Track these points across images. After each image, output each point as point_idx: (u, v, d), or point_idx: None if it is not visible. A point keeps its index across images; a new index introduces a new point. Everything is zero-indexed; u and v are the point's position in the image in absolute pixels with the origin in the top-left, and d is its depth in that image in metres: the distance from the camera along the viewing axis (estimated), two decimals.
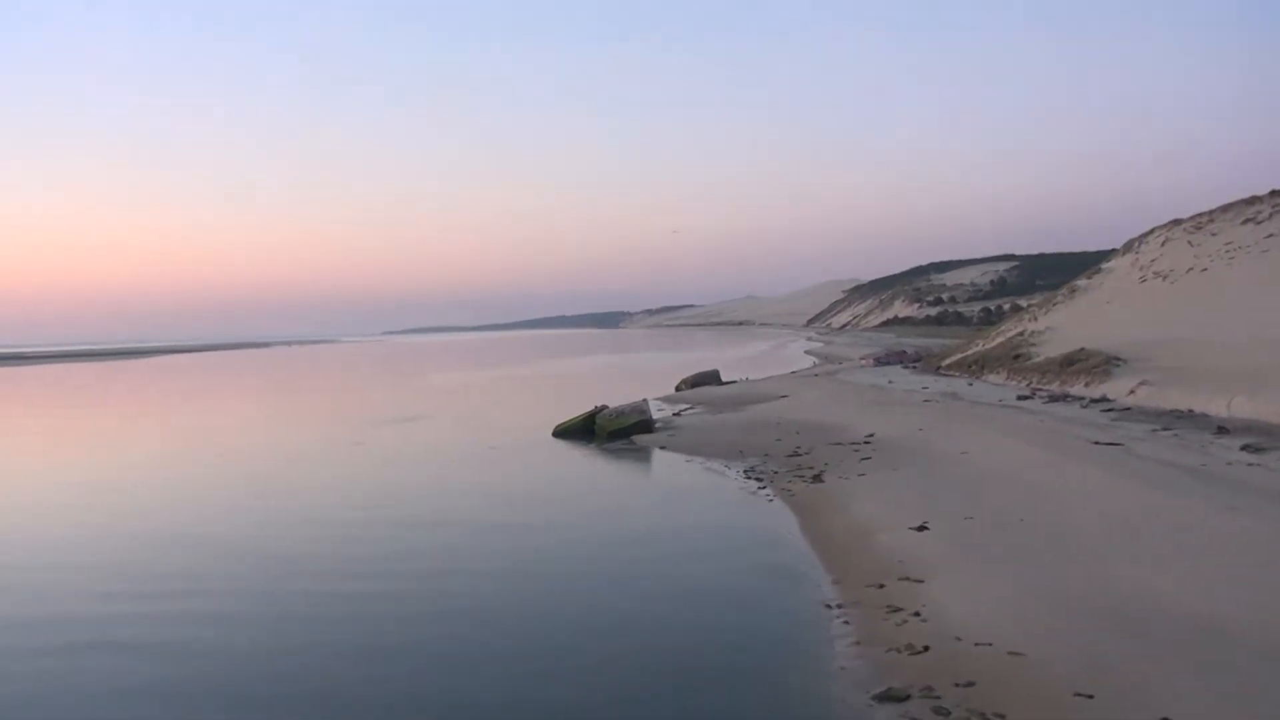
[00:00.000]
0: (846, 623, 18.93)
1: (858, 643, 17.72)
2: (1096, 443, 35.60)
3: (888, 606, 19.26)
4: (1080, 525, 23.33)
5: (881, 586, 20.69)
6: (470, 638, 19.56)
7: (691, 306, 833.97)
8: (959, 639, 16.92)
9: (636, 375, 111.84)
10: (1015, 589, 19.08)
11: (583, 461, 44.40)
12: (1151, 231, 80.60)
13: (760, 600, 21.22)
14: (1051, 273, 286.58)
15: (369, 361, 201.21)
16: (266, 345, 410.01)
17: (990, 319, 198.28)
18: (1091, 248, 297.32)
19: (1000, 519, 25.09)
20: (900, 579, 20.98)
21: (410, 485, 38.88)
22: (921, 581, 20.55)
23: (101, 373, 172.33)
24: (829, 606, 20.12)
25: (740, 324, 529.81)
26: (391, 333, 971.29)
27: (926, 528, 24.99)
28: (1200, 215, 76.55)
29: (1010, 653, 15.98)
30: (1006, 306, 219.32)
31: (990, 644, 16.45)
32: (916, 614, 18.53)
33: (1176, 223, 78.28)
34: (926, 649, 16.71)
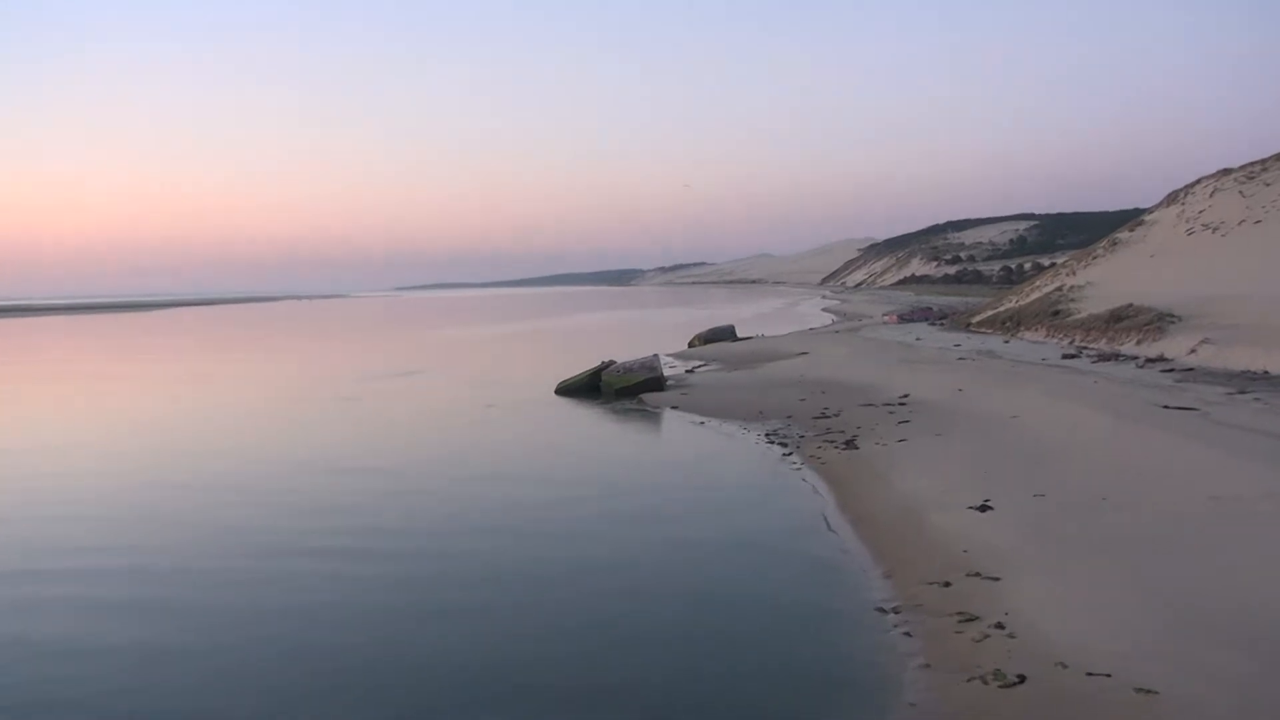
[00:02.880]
0: (908, 634, 14.88)
1: (927, 665, 13.67)
2: (1167, 407, 31.38)
3: (959, 614, 15.19)
4: (1184, 510, 19.14)
5: (947, 585, 16.61)
6: (414, 632, 15.73)
7: (705, 265, 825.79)
8: (1064, 665, 12.85)
9: (648, 331, 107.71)
10: (1124, 595, 14.97)
11: (585, 423, 40.34)
12: (1198, 182, 75.55)
13: (796, 601, 17.14)
14: (1072, 231, 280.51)
15: (376, 316, 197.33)
16: (275, 300, 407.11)
17: (1011, 278, 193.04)
18: (1113, 207, 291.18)
19: (1078, 498, 20.96)
20: (969, 575, 16.90)
21: (391, 446, 34.96)
22: (997, 579, 16.47)
23: (103, 326, 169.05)
24: (883, 611, 16.06)
25: (754, 282, 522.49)
26: (403, 288, 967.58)
27: (990, 507, 20.91)
28: (1252, 164, 71.55)
29: (1139, 689, 11.91)
30: (1028, 265, 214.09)
31: (1108, 675, 12.39)
32: (999, 626, 14.47)
33: (1226, 172, 73.28)
34: (1022, 679, 12.65)
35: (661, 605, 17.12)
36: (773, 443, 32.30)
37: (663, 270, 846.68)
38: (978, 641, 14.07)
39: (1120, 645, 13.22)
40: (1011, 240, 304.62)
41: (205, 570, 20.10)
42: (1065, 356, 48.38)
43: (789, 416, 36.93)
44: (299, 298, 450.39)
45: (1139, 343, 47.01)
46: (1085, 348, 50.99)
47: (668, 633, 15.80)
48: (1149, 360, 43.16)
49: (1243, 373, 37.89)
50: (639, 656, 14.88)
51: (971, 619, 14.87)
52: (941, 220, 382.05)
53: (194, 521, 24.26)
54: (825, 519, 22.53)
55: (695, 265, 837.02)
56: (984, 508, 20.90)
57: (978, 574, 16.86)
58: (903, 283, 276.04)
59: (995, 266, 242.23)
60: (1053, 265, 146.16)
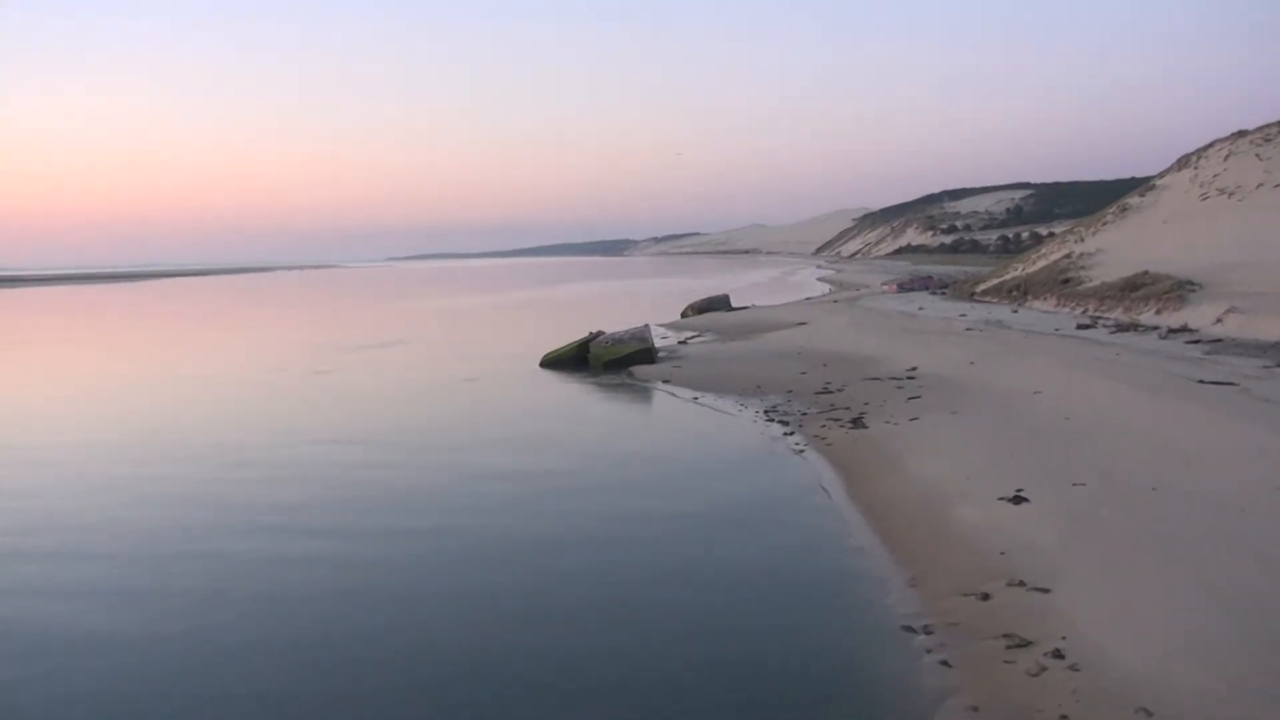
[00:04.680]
0: (946, 663, 12.27)
1: (975, 709, 11.07)
2: (1202, 381, 28.81)
3: (1006, 636, 12.59)
4: (1251, 503, 16.50)
5: (986, 597, 14.01)
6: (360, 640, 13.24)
7: (698, 234, 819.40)
8: (1148, 713, 10.27)
9: (639, 300, 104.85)
10: (1206, 613, 12.35)
11: (569, 399, 37.57)
12: (1211, 145, 72.62)
13: (805, 615, 14.52)
14: (1069, 201, 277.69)
15: (366, 286, 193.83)
16: (269, 270, 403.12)
17: (1009, 247, 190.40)
18: (1110, 176, 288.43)
19: (1124, 488, 18.35)
20: (1011, 584, 14.30)
21: (357, 421, 32.19)
22: (1046, 591, 13.87)
23: (85, 297, 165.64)
24: (911, 630, 13.46)
25: (747, 252, 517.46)
26: (396, 258, 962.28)
27: (1024, 498, 18.30)
28: (1269, 126, 68.60)
29: None
30: (1025, 234, 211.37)
31: None
32: (1058, 654, 11.87)
33: (1241, 135, 70.35)
34: None
35: (641, 619, 14.51)
36: (772, 420, 29.68)
37: (656, 240, 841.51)
38: (1034, 675, 11.47)
39: (1214, 683, 10.63)
40: (1008, 209, 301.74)
41: (151, 552, 18.54)
42: (1080, 327, 45.77)
43: (789, 391, 34.30)
44: (291, 268, 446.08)
45: (1158, 312, 44.39)
46: (1100, 317, 48.36)
47: (639, 652, 13.19)
48: (1172, 331, 40.55)
49: (1276, 344, 35.28)
50: (615, 687, 12.28)
51: (1023, 644, 12.28)
52: (936, 190, 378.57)
53: (135, 499, 22.33)
54: (833, 511, 19.92)
55: (688, 235, 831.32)
56: (1017, 499, 18.29)
57: (1021, 583, 14.25)
58: (898, 252, 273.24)
59: (992, 236, 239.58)
60: (1051, 235, 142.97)
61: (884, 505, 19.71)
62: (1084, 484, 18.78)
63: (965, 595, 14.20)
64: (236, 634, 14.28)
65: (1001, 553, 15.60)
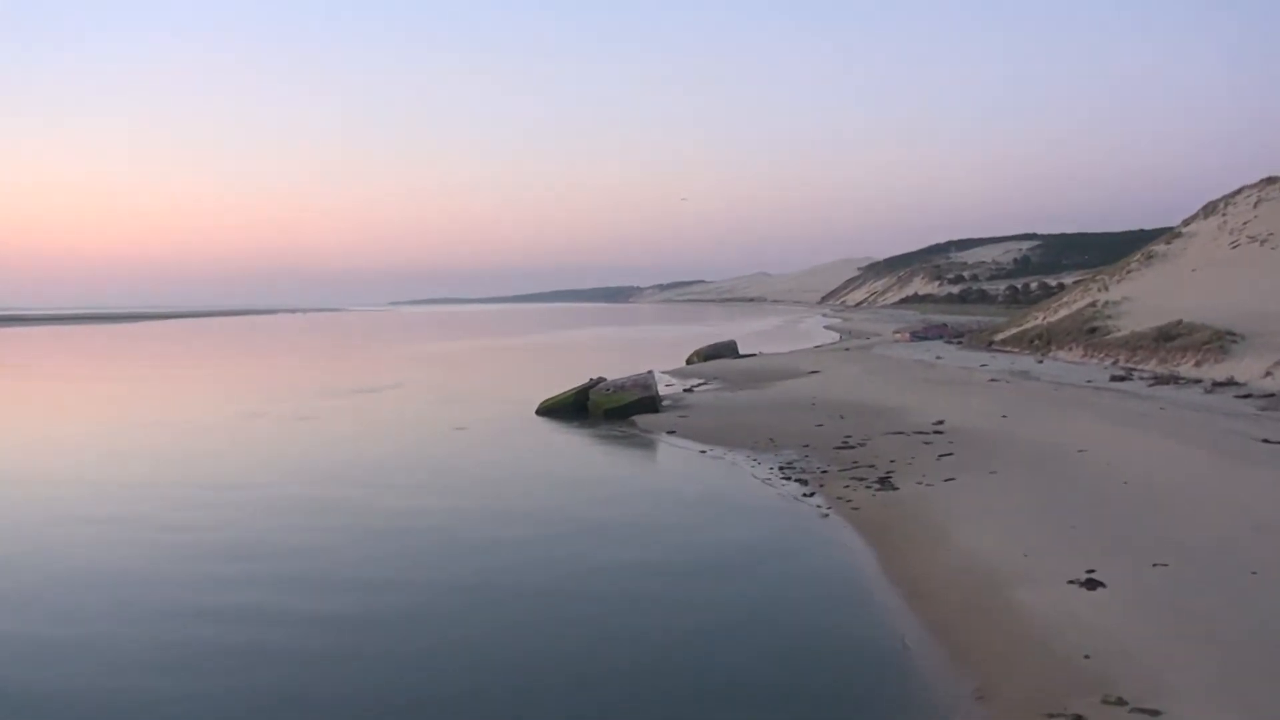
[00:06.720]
0: None
1: None
2: (1266, 441, 25.97)
3: None
4: None
5: (1078, 719, 11.03)
6: None
7: (703, 282, 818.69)
8: None
9: (643, 346, 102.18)
10: None
11: (565, 450, 34.60)
12: (1239, 191, 70.22)
13: None
14: (1077, 251, 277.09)
15: (365, 330, 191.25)
16: (272, 313, 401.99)
17: (1018, 297, 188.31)
18: (1117, 228, 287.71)
19: (1213, 568, 15.44)
20: (1108, 701, 11.31)
21: (331, 472, 29.30)
22: (1156, 714, 10.89)
23: (86, 337, 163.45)
24: None
25: (752, 300, 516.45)
26: (399, 303, 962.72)
27: (1098, 582, 15.33)
28: None
29: None
30: (1034, 285, 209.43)
31: None
32: None
33: (1271, 181, 67.96)
34: None
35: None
36: (789, 478, 26.71)
37: (660, 288, 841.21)
38: None
39: None
40: (1015, 260, 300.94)
41: (81, 617, 16.34)
42: (1114, 378, 42.92)
43: (805, 445, 31.38)
44: (294, 311, 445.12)
45: (1198, 364, 41.54)
46: (1134, 369, 45.49)
47: None
48: (1217, 384, 37.65)
49: None
50: None
51: None
52: (943, 240, 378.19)
53: (46, 563, 19.67)
54: (869, 590, 16.96)
55: (693, 283, 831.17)
56: (1090, 582, 15.33)
57: (1121, 700, 11.27)
58: (905, 302, 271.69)
59: (1000, 286, 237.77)
60: (1061, 285, 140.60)
61: (929, 586, 16.74)
62: (1165, 564, 15.85)
63: (1052, 716, 11.21)
64: (191, 692, 13.02)
65: (1086, 656, 12.63)
